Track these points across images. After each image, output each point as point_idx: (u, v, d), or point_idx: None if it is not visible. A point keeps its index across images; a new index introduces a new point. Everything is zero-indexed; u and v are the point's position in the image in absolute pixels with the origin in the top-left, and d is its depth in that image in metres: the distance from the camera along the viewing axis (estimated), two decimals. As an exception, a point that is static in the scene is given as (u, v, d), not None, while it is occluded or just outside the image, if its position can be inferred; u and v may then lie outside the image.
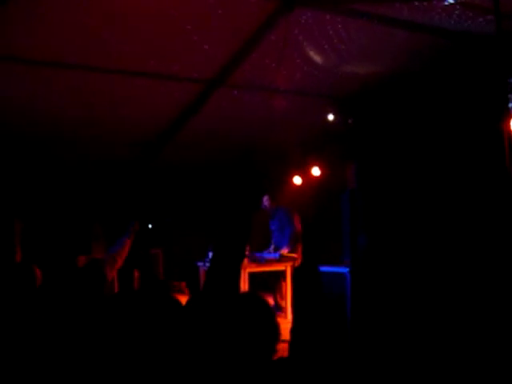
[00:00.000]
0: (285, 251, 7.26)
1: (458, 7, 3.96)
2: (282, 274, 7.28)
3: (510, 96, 4.16)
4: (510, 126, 4.30)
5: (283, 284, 7.40)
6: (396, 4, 4.05)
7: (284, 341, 2.30)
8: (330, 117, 6.28)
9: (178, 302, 2.28)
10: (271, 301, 7.35)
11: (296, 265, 7.17)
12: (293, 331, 2.89)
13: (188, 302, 2.85)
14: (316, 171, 7.31)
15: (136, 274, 8.87)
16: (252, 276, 7.04)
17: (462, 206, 5.03)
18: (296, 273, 3.94)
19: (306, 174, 7.54)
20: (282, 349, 2.20)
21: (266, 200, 7.74)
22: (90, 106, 6.05)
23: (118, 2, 3.91)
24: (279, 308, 7.42)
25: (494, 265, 4.67)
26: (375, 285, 5.30)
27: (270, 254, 7.28)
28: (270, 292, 7.67)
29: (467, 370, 3.84)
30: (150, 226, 10.67)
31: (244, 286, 6.74)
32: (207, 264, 7.49)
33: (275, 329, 2.04)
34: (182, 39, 4.50)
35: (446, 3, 3.93)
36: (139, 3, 3.93)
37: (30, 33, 4.21)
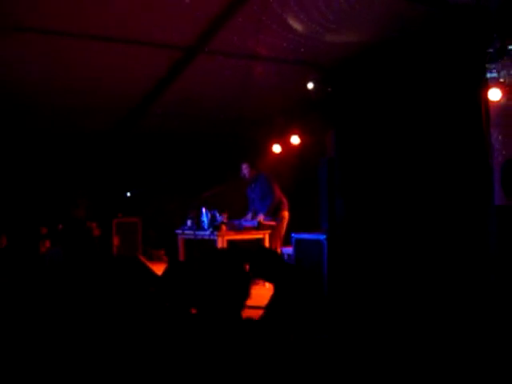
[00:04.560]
0: (261, 218, 7.23)
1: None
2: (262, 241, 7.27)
3: (487, 66, 4.21)
4: (487, 95, 4.37)
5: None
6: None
7: (259, 307, 2.33)
8: (310, 85, 6.26)
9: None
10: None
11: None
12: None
13: (166, 270, 2.88)
14: (296, 139, 7.30)
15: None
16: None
17: (439, 173, 5.12)
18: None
19: (285, 142, 7.53)
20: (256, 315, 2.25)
21: (245, 168, 7.68)
22: (67, 73, 5.94)
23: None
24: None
25: (468, 233, 4.79)
26: (352, 252, 5.38)
27: (247, 222, 7.26)
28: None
29: (437, 336, 3.95)
30: (128, 194, 10.62)
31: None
32: (186, 232, 7.48)
33: (246, 286, 2.10)
34: (161, 4, 4.43)
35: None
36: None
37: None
